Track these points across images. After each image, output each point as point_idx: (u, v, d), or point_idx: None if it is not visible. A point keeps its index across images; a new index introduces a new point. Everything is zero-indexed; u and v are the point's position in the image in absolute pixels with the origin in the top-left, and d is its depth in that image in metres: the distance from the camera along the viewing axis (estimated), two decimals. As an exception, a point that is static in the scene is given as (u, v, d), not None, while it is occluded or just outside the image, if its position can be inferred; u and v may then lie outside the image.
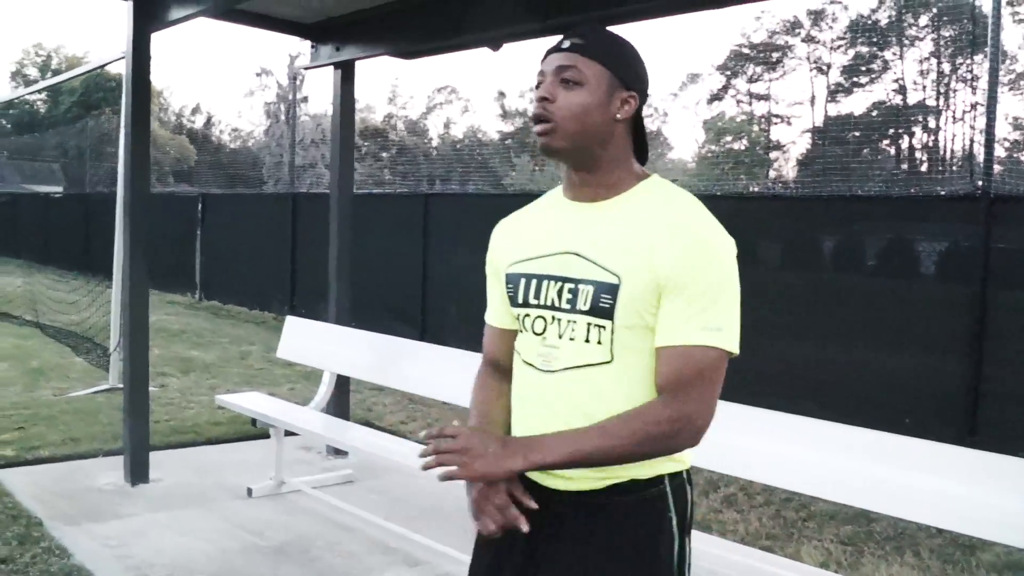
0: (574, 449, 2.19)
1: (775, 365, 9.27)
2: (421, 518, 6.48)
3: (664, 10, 6.37)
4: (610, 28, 2.43)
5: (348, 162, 8.30)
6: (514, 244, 2.51)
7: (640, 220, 2.27)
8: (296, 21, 8.00)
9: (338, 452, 8.03)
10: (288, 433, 7.03)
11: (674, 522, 2.32)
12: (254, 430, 7.48)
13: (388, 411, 10.04)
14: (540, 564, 2.37)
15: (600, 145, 2.33)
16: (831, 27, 54.92)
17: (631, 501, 2.30)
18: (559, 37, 2.40)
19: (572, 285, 2.30)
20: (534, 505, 2.29)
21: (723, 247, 2.25)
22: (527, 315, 2.41)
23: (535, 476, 2.36)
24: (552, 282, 2.35)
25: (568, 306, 2.31)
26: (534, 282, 2.39)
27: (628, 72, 2.35)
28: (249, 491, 6.92)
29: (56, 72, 61.83)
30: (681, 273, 2.18)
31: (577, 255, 2.31)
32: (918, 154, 44.25)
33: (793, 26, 56.02)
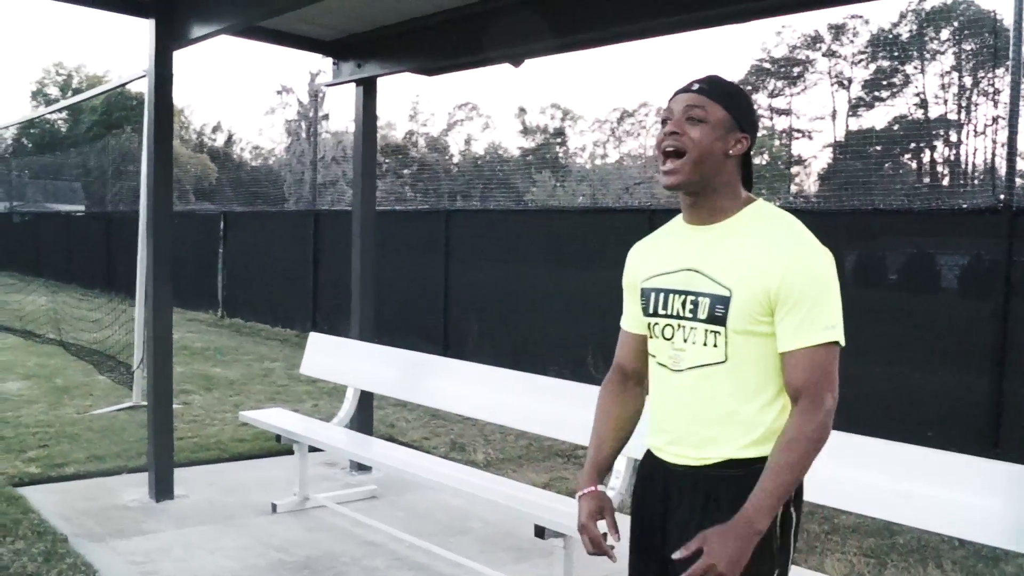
0: (778, 500, 2.56)
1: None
2: (445, 533, 6.50)
3: (683, 26, 6.39)
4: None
5: (370, 178, 8.32)
6: (646, 263, 2.92)
7: (748, 240, 2.67)
8: (317, 38, 8.04)
9: (362, 468, 8.04)
10: (312, 449, 7.04)
11: (777, 540, 2.66)
12: (278, 446, 7.52)
13: (411, 427, 10.05)
14: (670, 531, 2.78)
15: (715, 175, 2.71)
16: (852, 41, 54.85)
17: (740, 475, 2.65)
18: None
19: (693, 297, 2.72)
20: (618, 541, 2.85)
21: (822, 258, 2.62)
22: (657, 323, 2.84)
23: (661, 454, 2.84)
24: (677, 295, 2.77)
25: (690, 315, 2.72)
26: (662, 295, 2.81)
27: (743, 117, 2.75)
28: (274, 507, 6.94)
29: (77, 91, 62.11)
30: (791, 287, 2.56)
31: (696, 271, 2.72)
32: (940, 168, 44.04)
33: (814, 40, 55.98)
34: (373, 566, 5.91)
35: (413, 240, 15.52)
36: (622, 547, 2.95)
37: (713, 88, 2.73)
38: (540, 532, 4.84)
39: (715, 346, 2.67)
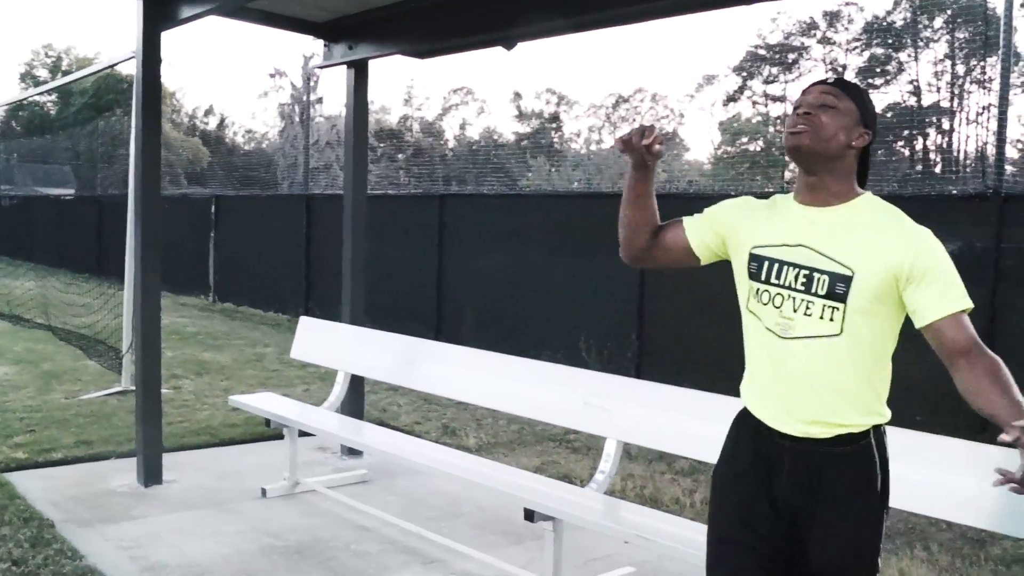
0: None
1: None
2: (437, 517, 6.49)
3: (679, 9, 6.36)
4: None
5: (362, 161, 8.29)
6: (756, 227, 3.05)
7: (867, 225, 2.85)
8: (308, 20, 7.99)
9: (353, 452, 8.03)
10: (303, 434, 7.03)
11: (878, 464, 2.90)
12: (268, 431, 7.49)
13: (403, 411, 10.04)
14: (777, 499, 2.93)
15: (835, 161, 2.90)
16: (847, 28, 54.88)
17: (849, 451, 2.86)
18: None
19: (808, 272, 2.86)
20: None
21: (936, 240, 2.82)
22: (766, 291, 2.97)
23: (764, 419, 2.97)
24: (792, 268, 2.90)
25: (803, 288, 2.87)
26: (776, 265, 2.95)
27: (868, 114, 2.95)
28: (263, 492, 6.92)
29: (67, 73, 61.91)
30: (926, 265, 2.76)
31: (811, 248, 2.87)
32: (932, 155, 44.12)
33: (809, 27, 55.97)
34: (365, 550, 5.89)
35: (407, 225, 15.48)
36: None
37: (846, 83, 2.96)
38: (530, 515, 4.84)
39: (831, 320, 2.82)
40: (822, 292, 2.82)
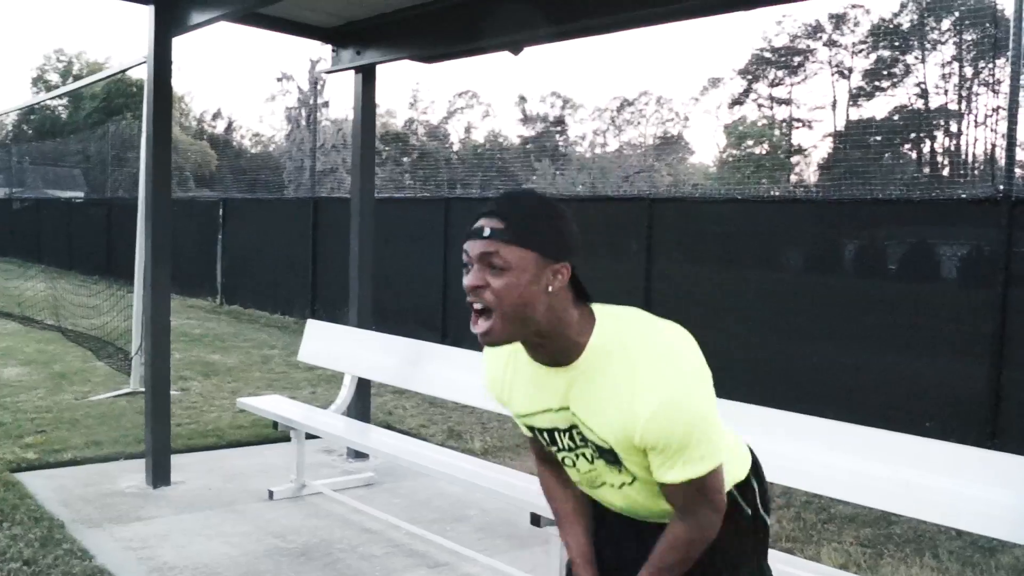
0: None
1: (795, 367, 9.25)
2: (442, 521, 6.51)
3: (685, 14, 6.37)
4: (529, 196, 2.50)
5: (369, 166, 8.30)
6: (516, 392, 2.66)
7: (603, 390, 2.40)
8: (317, 25, 8.01)
9: (359, 455, 8.04)
10: (309, 436, 7.05)
11: (748, 512, 2.68)
12: (275, 433, 7.51)
13: (409, 414, 10.05)
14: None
15: (541, 317, 2.37)
16: (853, 31, 54.90)
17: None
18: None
19: (582, 439, 2.52)
20: None
21: (682, 397, 2.34)
22: (559, 455, 2.65)
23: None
24: (564, 434, 2.56)
25: (583, 444, 2.53)
26: (548, 434, 2.61)
27: (553, 247, 2.38)
28: (270, 493, 6.94)
29: (77, 78, 62.03)
30: (655, 440, 2.33)
31: (575, 416, 2.49)
32: (940, 158, 44.07)
33: (815, 30, 55.98)
34: (370, 553, 5.91)
35: (413, 228, 15.50)
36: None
37: (508, 225, 2.35)
38: (536, 520, 4.84)
39: (620, 472, 2.53)
40: (598, 456, 2.52)
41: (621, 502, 2.65)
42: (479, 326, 2.38)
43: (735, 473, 2.67)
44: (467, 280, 2.37)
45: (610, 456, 2.47)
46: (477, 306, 2.37)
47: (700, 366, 2.40)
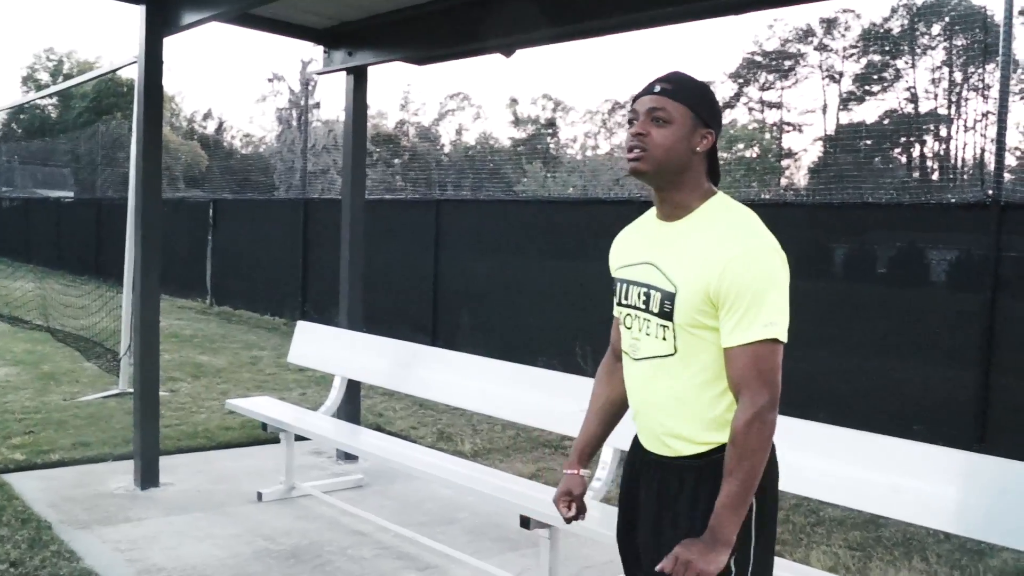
0: (737, 512, 2.63)
1: (784, 371, 9.27)
2: (431, 523, 6.51)
3: (677, 17, 6.38)
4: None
5: (360, 167, 8.31)
6: (620, 253, 3.02)
7: (698, 237, 2.73)
8: (309, 26, 8.02)
9: (348, 457, 8.04)
10: (299, 438, 7.04)
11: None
12: (265, 435, 7.51)
13: (398, 416, 10.05)
14: (640, 517, 2.95)
15: (681, 172, 2.77)
16: (843, 35, 55.00)
17: (699, 465, 2.77)
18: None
19: (647, 290, 2.80)
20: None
21: (765, 254, 2.66)
22: (621, 312, 2.95)
23: (640, 438, 2.97)
24: (635, 287, 2.86)
25: (644, 307, 2.81)
26: (625, 287, 2.92)
27: (707, 113, 2.79)
28: (259, 495, 6.94)
29: (68, 77, 61.86)
30: (730, 285, 2.60)
31: (653, 265, 2.80)
32: (929, 163, 44.18)
33: (806, 34, 56.10)
34: (360, 555, 5.91)
35: (403, 230, 15.49)
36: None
37: (676, 88, 2.77)
38: (525, 522, 4.84)
39: (664, 339, 2.76)
40: (656, 311, 2.77)
41: (646, 386, 2.86)
42: (632, 154, 2.76)
43: None
44: (633, 128, 2.78)
45: (668, 304, 2.71)
46: (636, 150, 2.75)
47: (785, 265, 2.69)
